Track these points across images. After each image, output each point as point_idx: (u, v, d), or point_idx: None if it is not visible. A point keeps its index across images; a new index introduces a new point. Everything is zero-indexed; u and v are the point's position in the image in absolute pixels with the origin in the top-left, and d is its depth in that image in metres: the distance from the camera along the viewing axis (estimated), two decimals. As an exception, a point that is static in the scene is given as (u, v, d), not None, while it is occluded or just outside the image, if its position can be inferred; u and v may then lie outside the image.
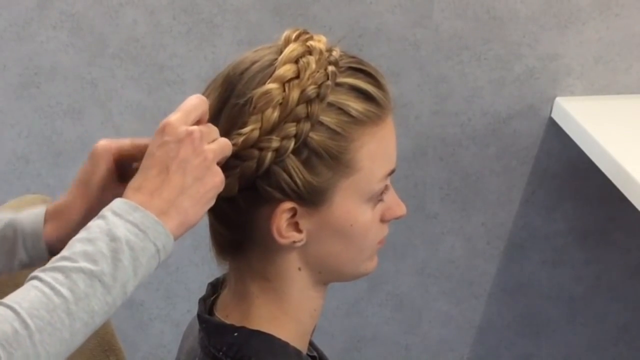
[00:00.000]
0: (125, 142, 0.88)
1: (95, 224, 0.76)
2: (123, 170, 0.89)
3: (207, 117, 0.83)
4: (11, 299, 0.72)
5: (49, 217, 0.90)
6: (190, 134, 0.79)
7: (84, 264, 0.73)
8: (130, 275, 0.75)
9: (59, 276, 0.72)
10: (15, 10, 1.67)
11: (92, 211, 0.84)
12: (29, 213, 0.91)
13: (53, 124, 1.76)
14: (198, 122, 0.82)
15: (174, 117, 0.80)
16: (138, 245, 0.75)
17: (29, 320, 0.70)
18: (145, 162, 0.80)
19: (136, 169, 0.82)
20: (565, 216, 1.89)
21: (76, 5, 1.66)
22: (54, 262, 0.74)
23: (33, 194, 1.30)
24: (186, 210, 0.79)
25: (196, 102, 0.82)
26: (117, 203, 0.78)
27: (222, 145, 0.81)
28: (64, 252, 0.74)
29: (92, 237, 0.75)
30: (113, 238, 0.74)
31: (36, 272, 0.74)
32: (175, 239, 0.79)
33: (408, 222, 1.87)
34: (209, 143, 0.80)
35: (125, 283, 0.75)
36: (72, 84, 1.73)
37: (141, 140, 0.87)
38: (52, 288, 0.72)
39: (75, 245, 0.75)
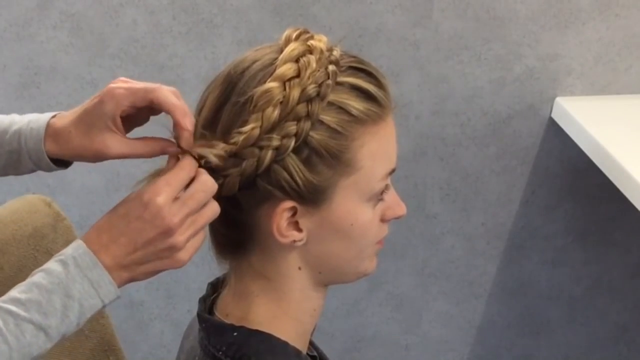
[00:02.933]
0: (137, 94, 0.88)
1: (56, 271, 0.80)
2: (129, 114, 0.90)
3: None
4: None
5: (49, 135, 0.94)
6: (168, 230, 0.80)
7: (35, 316, 0.78)
8: (72, 328, 0.80)
9: (10, 322, 0.77)
10: (15, 10, 1.67)
11: (87, 145, 0.89)
12: (31, 130, 0.95)
13: (53, 124, 1.76)
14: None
15: (161, 199, 0.80)
16: (88, 303, 0.80)
17: None
18: (117, 220, 0.82)
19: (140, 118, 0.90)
20: (565, 216, 1.89)
21: (76, 5, 1.66)
22: (10, 299, 0.79)
23: (33, 194, 1.30)
24: (137, 276, 0.83)
25: (182, 173, 0.82)
26: (80, 253, 0.81)
27: (204, 221, 0.83)
28: (21, 294, 0.79)
29: (50, 288, 0.79)
30: (68, 294, 0.79)
31: None
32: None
33: (408, 222, 1.87)
34: (192, 215, 0.82)
35: (66, 333, 0.80)
36: (72, 84, 1.73)
37: (152, 92, 0.88)
38: (2, 335, 0.76)
39: (33, 290, 0.79)
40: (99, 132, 0.89)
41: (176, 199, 0.81)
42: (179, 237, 0.81)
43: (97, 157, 0.91)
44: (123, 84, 0.89)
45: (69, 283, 0.79)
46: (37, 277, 0.80)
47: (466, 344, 2.02)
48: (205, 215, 0.83)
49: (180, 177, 0.82)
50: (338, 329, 1.98)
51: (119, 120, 0.89)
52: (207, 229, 0.90)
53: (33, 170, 0.99)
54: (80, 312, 0.80)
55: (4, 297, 0.79)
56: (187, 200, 0.81)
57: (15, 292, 0.79)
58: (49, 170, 0.97)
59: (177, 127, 0.86)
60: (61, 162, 0.97)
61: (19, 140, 0.96)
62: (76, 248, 0.81)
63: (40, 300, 0.78)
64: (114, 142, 0.89)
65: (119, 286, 0.82)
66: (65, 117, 0.94)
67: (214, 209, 0.83)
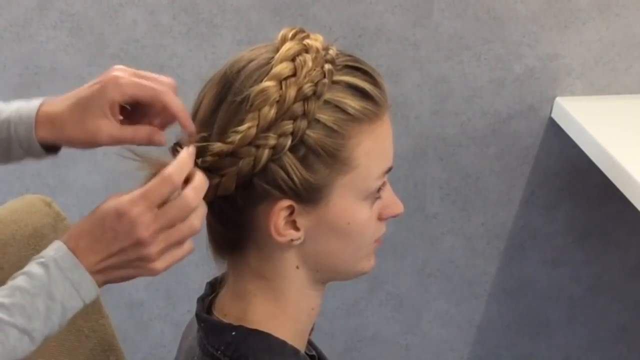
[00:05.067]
0: (144, 90, 0.89)
1: (38, 274, 0.80)
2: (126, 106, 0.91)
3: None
4: None
5: (41, 121, 0.94)
6: (140, 242, 0.81)
7: (19, 320, 0.79)
8: (55, 329, 0.81)
9: None
10: (15, 10, 1.67)
11: (79, 131, 0.90)
12: (20, 118, 0.95)
13: (53, 124, 1.76)
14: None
15: (134, 212, 0.80)
16: (70, 304, 0.81)
17: None
18: (94, 227, 0.82)
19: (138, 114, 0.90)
20: (565, 216, 1.89)
21: (76, 5, 1.67)
22: None
23: (33, 194, 1.30)
24: (112, 279, 0.84)
25: (162, 187, 0.81)
26: (62, 255, 0.81)
27: (178, 236, 0.82)
28: (5, 299, 0.79)
29: (33, 291, 0.79)
30: (51, 297, 0.80)
31: None
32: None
33: (408, 222, 1.87)
34: (169, 228, 0.81)
35: (49, 335, 0.81)
36: (72, 84, 1.71)
37: (161, 95, 0.90)
38: None
39: (16, 294, 0.79)
40: (92, 118, 0.90)
41: (153, 211, 0.81)
42: (151, 249, 0.81)
43: (88, 142, 0.91)
44: (127, 74, 0.90)
45: (51, 285, 0.80)
46: (19, 280, 0.80)
47: (466, 344, 2.02)
48: (180, 231, 0.82)
49: (158, 190, 0.81)
50: (338, 328, 1.98)
51: (117, 108, 0.89)
52: (204, 230, 0.91)
53: (22, 158, 0.98)
54: (62, 314, 0.81)
55: None
56: (160, 216, 0.81)
57: None
58: (39, 157, 0.97)
59: (181, 127, 0.88)
60: (51, 148, 0.97)
61: (8, 128, 0.95)
62: (57, 250, 0.81)
63: (23, 304, 0.79)
64: (106, 126, 0.89)
65: (101, 286, 0.83)
66: (57, 103, 0.94)
67: (192, 227, 0.83)
